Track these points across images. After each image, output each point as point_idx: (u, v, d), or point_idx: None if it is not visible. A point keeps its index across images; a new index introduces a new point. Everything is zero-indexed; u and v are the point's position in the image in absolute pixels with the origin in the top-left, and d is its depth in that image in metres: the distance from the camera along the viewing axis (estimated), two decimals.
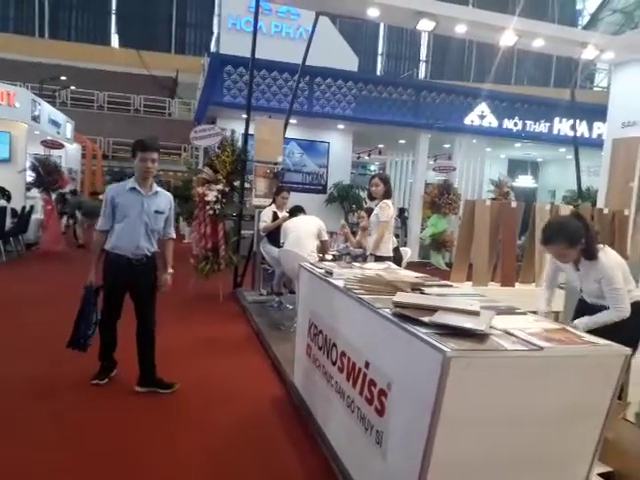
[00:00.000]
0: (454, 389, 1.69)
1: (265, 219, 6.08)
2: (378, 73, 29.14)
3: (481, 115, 11.82)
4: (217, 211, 6.58)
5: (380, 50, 31.08)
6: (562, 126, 12.30)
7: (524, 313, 2.37)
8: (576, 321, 2.88)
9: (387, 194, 4.85)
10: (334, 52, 12.66)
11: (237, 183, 6.84)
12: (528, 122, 12.17)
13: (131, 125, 20.21)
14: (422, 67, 31.44)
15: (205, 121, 11.27)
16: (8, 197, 8.96)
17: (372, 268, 3.46)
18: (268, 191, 6.86)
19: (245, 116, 7.19)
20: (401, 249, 5.80)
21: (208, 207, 6.60)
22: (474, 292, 3.18)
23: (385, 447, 2.07)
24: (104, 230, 3.50)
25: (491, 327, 1.97)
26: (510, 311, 2.38)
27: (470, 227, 4.98)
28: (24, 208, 9.20)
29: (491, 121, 11.89)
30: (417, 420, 1.79)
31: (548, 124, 12.28)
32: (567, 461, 2.00)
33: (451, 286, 3.06)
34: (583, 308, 3.01)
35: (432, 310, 2.11)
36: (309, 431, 3.07)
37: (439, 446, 1.73)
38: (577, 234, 2.73)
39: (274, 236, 5.87)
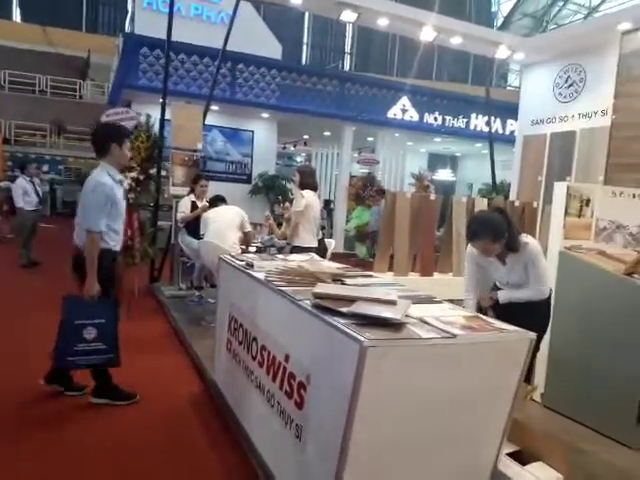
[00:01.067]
0: (371, 378, 1.68)
1: (183, 209, 5.83)
2: (303, 63, 29.06)
3: (403, 109, 12.12)
4: (130, 200, 6.20)
5: (305, 40, 31.01)
6: (478, 122, 12.89)
7: (440, 302, 2.43)
8: (499, 292, 3.04)
9: (303, 185, 4.82)
10: (257, 39, 12.42)
11: (153, 171, 6.49)
12: (447, 117, 12.64)
13: (37, 107, 18.61)
14: (347, 59, 31.77)
15: (120, 104, 10.60)
16: None
17: (295, 260, 3.40)
18: (186, 180, 6.58)
19: (162, 100, 6.84)
20: (326, 240, 5.82)
21: None
22: (394, 282, 3.23)
23: (305, 440, 2.03)
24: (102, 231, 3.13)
25: (407, 316, 1.98)
26: (427, 300, 2.42)
27: (392, 219, 5.09)
28: None
29: (412, 115, 12.22)
30: (335, 411, 1.77)
31: (466, 120, 12.83)
32: (478, 441, 2.07)
33: (372, 276, 3.09)
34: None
35: (351, 300, 2.09)
36: (229, 428, 2.98)
37: (356, 435, 1.72)
38: (500, 228, 2.82)
39: (193, 227, 5.65)
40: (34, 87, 19.57)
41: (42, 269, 7.77)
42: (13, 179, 9.11)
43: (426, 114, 12.41)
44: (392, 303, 2.07)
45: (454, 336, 1.83)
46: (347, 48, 31.78)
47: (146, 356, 4.26)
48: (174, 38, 6.73)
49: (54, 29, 19.92)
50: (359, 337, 1.69)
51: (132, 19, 13.01)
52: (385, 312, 1.92)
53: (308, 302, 2.15)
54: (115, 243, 3.26)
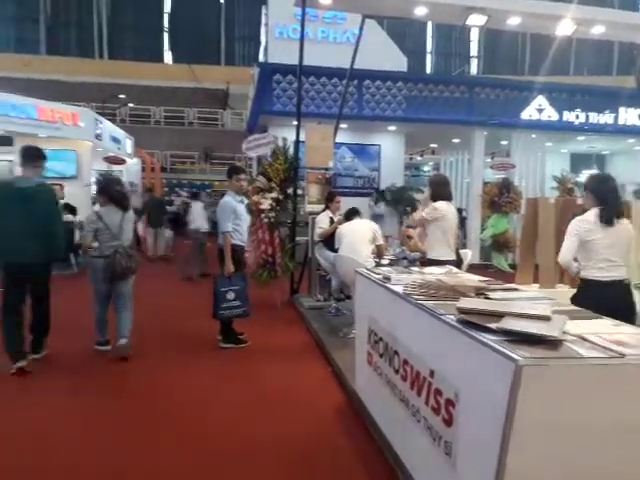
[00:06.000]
0: (527, 399, 1.60)
1: (322, 225, 6.10)
2: (428, 72, 28.66)
3: (539, 109, 11.34)
4: (272, 219, 6.67)
5: (429, 48, 30.61)
6: (629, 115, 11.57)
7: (599, 317, 2.23)
8: None
9: (435, 196, 4.67)
10: (382, 53, 12.54)
11: (290, 190, 6.91)
12: (591, 113, 11.54)
13: (187, 137, 20.97)
14: (473, 63, 30.64)
15: (257, 130, 11.48)
16: (73, 211, 9.43)
17: (432, 272, 3.37)
18: (321, 197, 6.89)
19: (295, 123, 7.26)
20: (461, 251, 5.64)
21: (263, 215, 6.71)
22: (542, 295, 3.03)
23: (455, 458, 1.99)
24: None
25: (564, 333, 1.86)
26: (585, 315, 2.24)
27: (534, 226, 4.79)
28: None
29: (550, 114, 11.37)
30: (489, 431, 1.72)
31: (613, 114, 11.59)
32: None
33: (517, 289, 2.93)
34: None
35: (499, 316, 2.02)
36: (373, 440, 3.03)
37: (513, 458, 1.64)
38: None
39: (330, 241, 5.87)
40: (184, 120, 22.11)
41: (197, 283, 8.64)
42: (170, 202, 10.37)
43: (565, 112, 11.46)
44: (546, 319, 1.96)
45: (622, 355, 1.67)
46: (473, 52, 30.68)
47: (291, 364, 4.54)
48: (304, 62, 7.11)
49: (198, 66, 22.32)
50: (513, 355, 1.63)
51: (265, 49, 14.01)
52: (539, 328, 1.82)
53: (452, 317, 2.12)
54: (239, 240, 4.89)
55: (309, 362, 4.61)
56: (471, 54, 30.76)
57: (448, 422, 2.06)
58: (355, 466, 2.80)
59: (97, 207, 5.20)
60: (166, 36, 28.45)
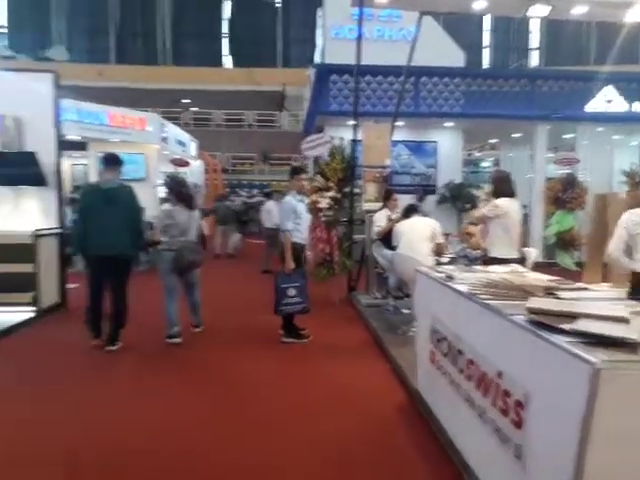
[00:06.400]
0: (604, 403, 1.56)
1: (379, 223, 6.11)
2: (484, 66, 27.83)
3: (607, 100, 10.76)
4: (330, 218, 6.75)
5: (485, 42, 29.72)
6: None
7: None
8: None
9: (497, 193, 4.58)
10: (439, 49, 12.34)
11: (347, 189, 6.96)
12: None
13: (245, 140, 21.54)
14: (534, 55, 29.44)
15: (313, 131, 11.60)
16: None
17: (496, 271, 3.31)
18: (378, 195, 6.89)
19: (351, 122, 7.29)
20: (524, 250, 5.47)
21: (321, 214, 6.80)
22: (615, 295, 2.91)
23: (526, 461, 1.96)
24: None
25: None
26: None
27: (602, 223, 4.58)
28: None
29: (619, 105, 10.77)
30: (564, 435, 1.68)
31: None
32: None
33: (587, 289, 2.83)
34: None
35: (572, 317, 1.97)
36: (437, 439, 3.02)
37: (590, 463, 1.60)
38: None
39: (388, 239, 5.87)
40: (243, 122, 22.74)
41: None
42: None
43: (637, 102, 10.80)
44: (623, 320, 1.89)
45: None
46: (533, 44, 29.47)
47: (350, 361, 4.59)
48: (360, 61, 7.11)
49: (256, 69, 22.84)
50: (590, 358, 1.59)
51: (322, 50, 14.13)
52: (617, 330, 1.76)
53: (521, 317, 2.09)
54: (299, 239, 5.01)
55: (368, 359, 4.64)
56: (530, 46, 29.57)
57: (518, 424, 2.03)
58: (419, 466, 2.80)
59: (165, 206, 5.55)
60: (225, 41, 29.40)
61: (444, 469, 2.73)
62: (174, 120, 17.09)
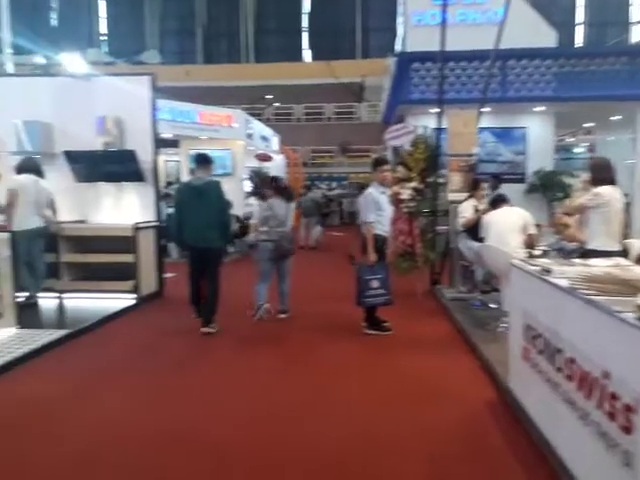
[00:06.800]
0: None
1: (465, 214, 5.91)
2: (576, 45, 25.83)
3: None
4: (412, 209, 6.63)
5: (579, 19, 27.53)
6: None
7: None
8: None
9: (596, 181, 4.25)
10: (528, 30, 11.59)
11: (431, 179, 6.79)
12: None
13: (325, 132, 21.71)
14: (636, 30, 26.81)
15: (394, 121, 11.44)
16: (229, 206, 10.30)
17: (598, 265, 3.08)
18: (464, 185, 6.65)
19: (434, 110, 7.10)
20: (626, 241, 5.05)
21: (402, 205, 6.70)
22: None
23: (637, 469, 1.83)
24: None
25: None
26: None
27: None
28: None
29: None
30: None
31: None
32: None
33: None
34: None
35: None
36: (531, 440, 2.88)
37: None
38: None
39: (474, 231, 5.67)
40: (322, 115, 22.93)
41: None
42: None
43: None
44: None
45: None
46: (634, 17, 26.81)
47: (435, 355, 4.51)
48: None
49: (335, 62, 22.89)
50: None
51: (403, 39, 13.84)
52: None
53: (631, 315, 1.93)
54: (381, 231, 4.99)
55: (454, 354, 4.52)
56: (632, 20, 26.95)
57: (627, 429, 1.89)
58: (514, 468, 2.67)
59: (251, 200, 5.89)
60: (305, 35, 29.79)
61: (541, 472, 2.60)
62: (257, 116, 17.60)
